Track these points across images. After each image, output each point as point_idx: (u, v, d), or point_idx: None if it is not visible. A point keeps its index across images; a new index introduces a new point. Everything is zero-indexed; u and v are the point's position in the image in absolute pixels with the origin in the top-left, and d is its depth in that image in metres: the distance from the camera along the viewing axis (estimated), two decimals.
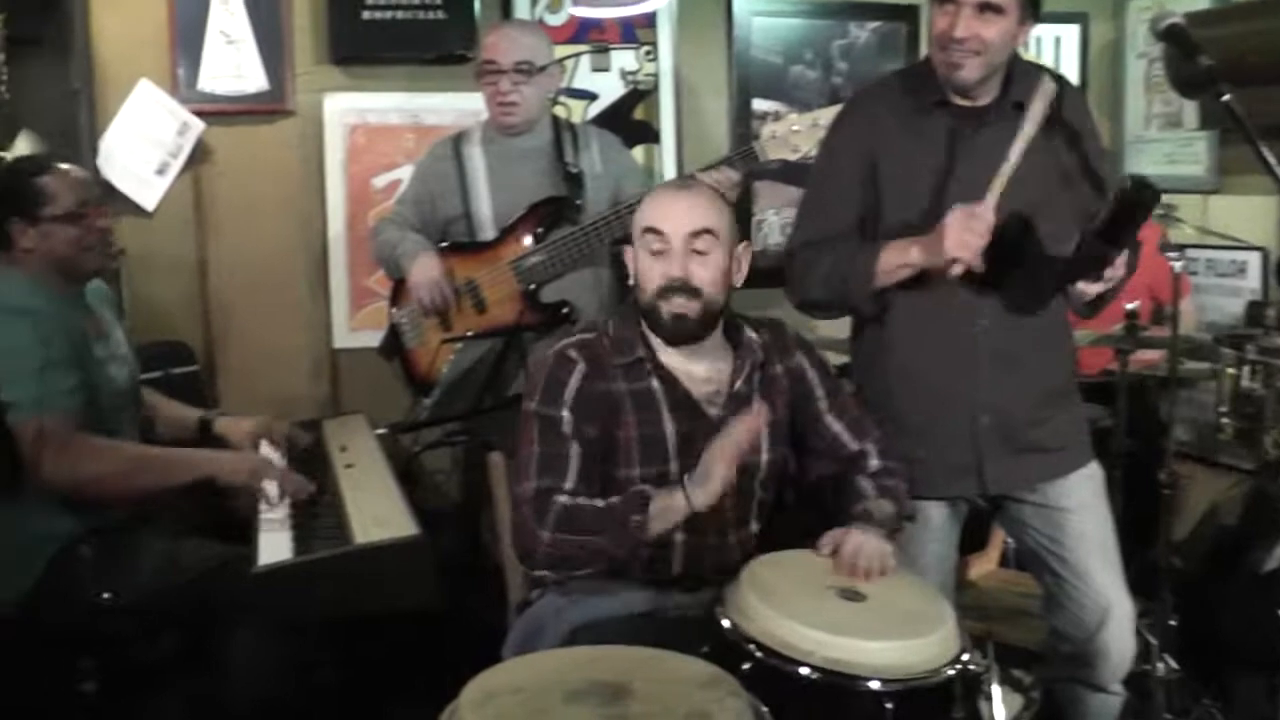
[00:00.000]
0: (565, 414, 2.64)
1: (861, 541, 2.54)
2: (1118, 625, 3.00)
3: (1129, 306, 3.90)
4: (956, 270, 2.74)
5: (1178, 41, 2.67)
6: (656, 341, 2.72)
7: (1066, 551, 3.02)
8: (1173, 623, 3.77)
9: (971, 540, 3.79)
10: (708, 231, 2.64)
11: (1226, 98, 2.52)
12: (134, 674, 3.27)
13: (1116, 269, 2.74)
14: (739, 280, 2.75)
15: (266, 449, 3.66)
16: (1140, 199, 2.59)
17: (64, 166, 3.35)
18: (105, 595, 3.13)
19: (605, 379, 2.69)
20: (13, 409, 3.12)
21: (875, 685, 2.16)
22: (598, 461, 2.67)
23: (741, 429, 2.52)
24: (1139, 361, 4.17)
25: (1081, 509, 3.02)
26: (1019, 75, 2.94)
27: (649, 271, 2.67)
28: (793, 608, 2.27)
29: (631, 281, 2.74)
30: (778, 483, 2.87)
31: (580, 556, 2.55)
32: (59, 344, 3.16)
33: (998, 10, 2.78)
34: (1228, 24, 4.70)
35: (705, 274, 2.65)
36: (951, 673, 2.24)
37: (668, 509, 2.52)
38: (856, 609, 2.33)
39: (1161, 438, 3.80)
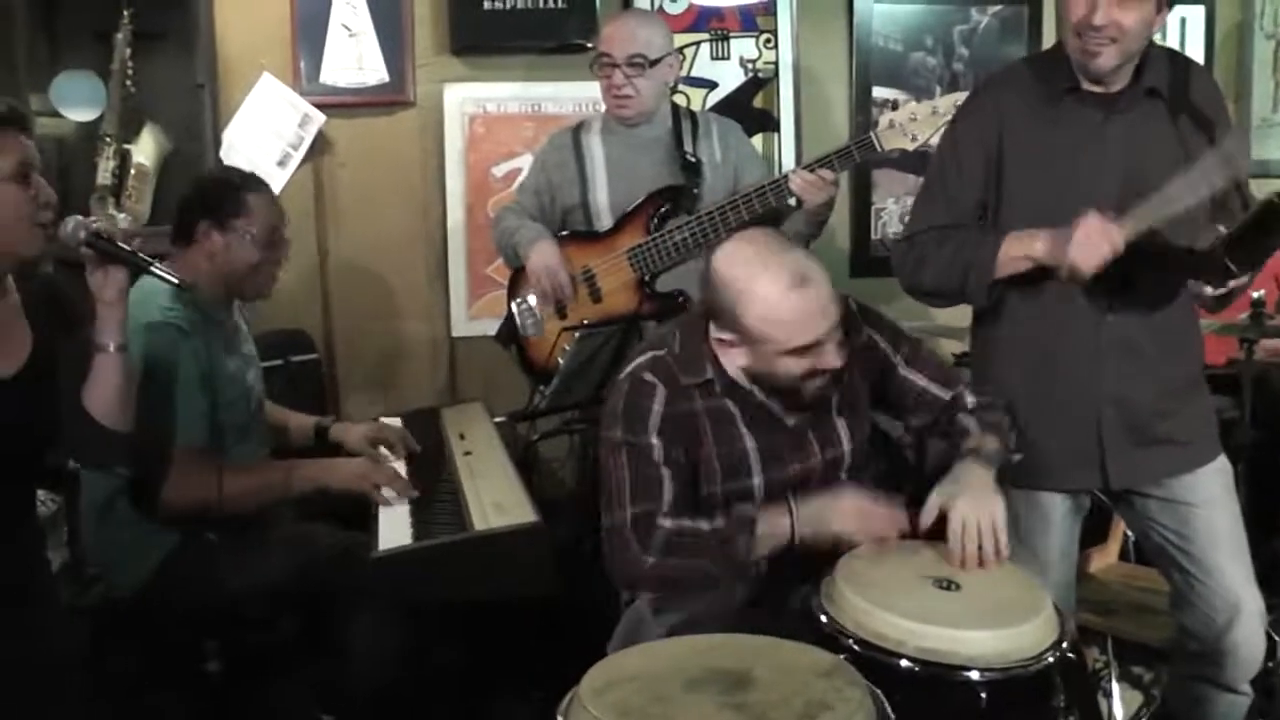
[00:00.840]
0: (654, 440, 2.62)
1: (965, 517, 2.48)
2: (1248, 624, 2.95)
3: (1255, 295, 3.82)
4: (1063, 274, 2.73)
5: None
6: (724, 359, 2.68)
7: (1195, 548, 2.97)
8: None
9: (1091, 534, 3.75)
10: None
11: None
12: (257, 657, 3.34)
13: (1240, 278, 2.70)
14: None
15: (385, 453, 3.72)
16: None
17: (267, 190, 3.46)
18: (229, 582, 3.18)
19: (686, 399, 2.66)
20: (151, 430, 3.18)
21: (973, 675, 2.15)
22: (688, 484, 2.66)
23: (886, 517, 2.54)
24: (1267, 351, 4.08)
25: (1210, 504, 2.97)
26: (1152, 61, 2.90)
27: (791, 366, 2.57)
28: (887, 599, 2.27)
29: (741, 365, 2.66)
30: (865, 456, 2.84)
31: (685, 580, 2.56)
32: (198, 364, 3.22)
33: None
34: None
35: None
36: (1050, 660, 2.20)
37: (773, 534, 2.54)
38: (951, 598, 2.32)
39: None
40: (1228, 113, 3.06)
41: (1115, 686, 3.68)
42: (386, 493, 3.32)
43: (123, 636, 3.21)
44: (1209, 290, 2.74)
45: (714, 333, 2.65)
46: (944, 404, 2.83)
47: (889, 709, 1.96)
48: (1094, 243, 2.66)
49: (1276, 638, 3.56)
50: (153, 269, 2.70)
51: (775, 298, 2.52)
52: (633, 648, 2.22)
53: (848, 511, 2.55)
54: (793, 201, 3.62)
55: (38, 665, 2.65)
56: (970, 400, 2.81)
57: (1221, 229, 2.61)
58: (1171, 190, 2.63)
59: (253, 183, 3.42)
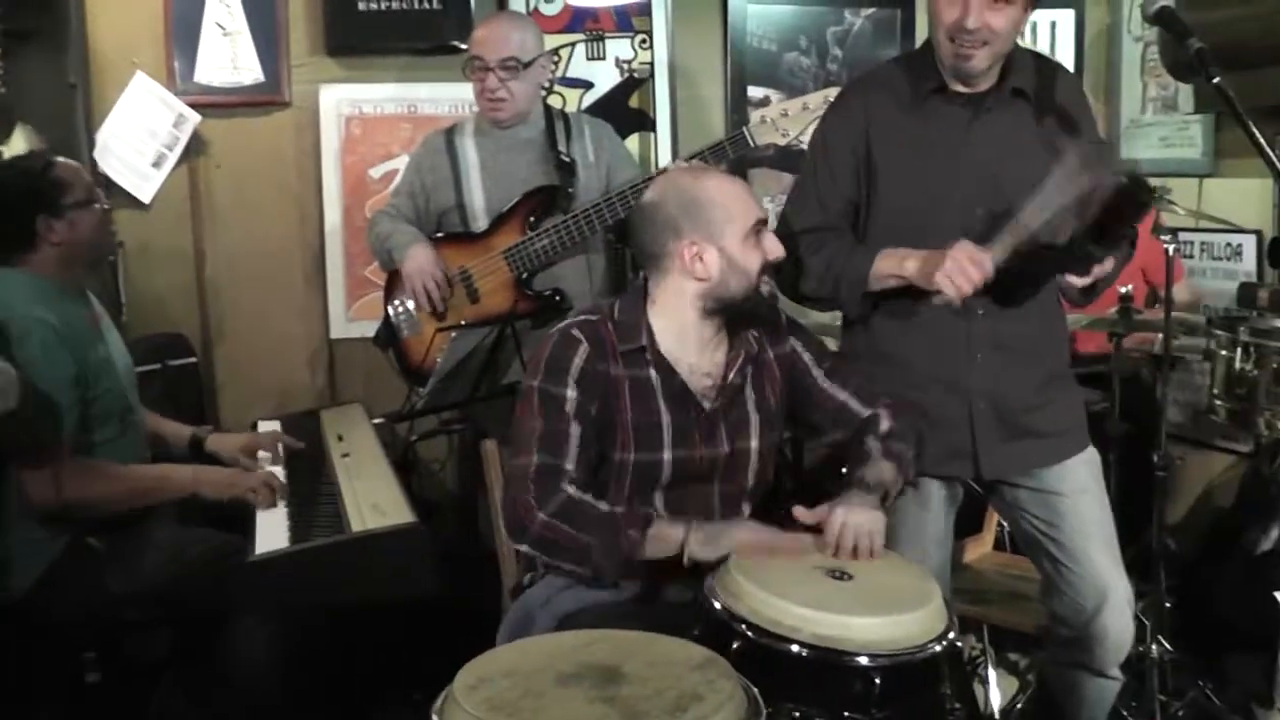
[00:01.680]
0: (569, 393, 2.65)
1: (845, 520, 2.52)
2: (1115, 609, 2.99)
3: (1122, 290, 3.90)
4: (938, 300, 2.75)
5: (1168, 24, 2.65)
6: (659, 330, 2.73)
7: (1064, 536, 3.01)
8: (1168, 605, 3.78)
9: (966, 523, 3.80)
10: None
11: (1217, 80, 2.51)
12: (137, 665, 3.29)
13: (1105, 264, 2.75)
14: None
15: (263, 455, 3.72)
16: (1136, 197, 2.61)
17: (60, 158, 3.38)
18: (112, 587, 3.16)
19: (606, 361, 2.70)
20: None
21: (863, 660, 2.17)
22: (594, 442, 2.67)
23: (788, 541, 2.52)
24: (1136, 340, 4.17)
25: (1078, 493, 3.02)
26: (1018, 62, 2.94)
27: (752, 258, 2.69)
28: (780, 587, 2.29)
29: (705, 277, 2.68)
30: (770, 470, 2.87)
31: (568, 550, 2.55)
32: (62, 358, 3.17)
33: (1008, 0, 2.78)
34: (1223, 7, 4.69)
35: None
36: (938, 649, 2.24)
37: (664, 540, 2.52)
38: (844, 587, 2.35)
39: (1156, 421, 3.81)
40: (1092, 115, 3.12)
41: (992, 673, 3.73)
42: (262, 495, 3.31)
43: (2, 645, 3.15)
44: (1076, 282, 2.80)
45: (680, 250, 2.68)
46: (861, 421, 2.85)
47: (761, 701, 1.97)
48: (964, 271, 2.69)
49: (1147, 623, 3.66)
50: None
51: (726, 184, 2.75)
52: (508, 644, 2.22)
53: (746, 537, 2.53)
54: None
55: None
56: (885, 425, 2.83)
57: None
58: (1030, 208, 2.67)
59: (48, 160, 3.36)
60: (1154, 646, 3.65)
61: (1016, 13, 2.81)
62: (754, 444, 2.80)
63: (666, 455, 2.71)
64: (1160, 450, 3.75)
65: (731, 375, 2.77)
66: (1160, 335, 3.75)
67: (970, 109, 2.94)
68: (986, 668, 3.74)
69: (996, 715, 3.71)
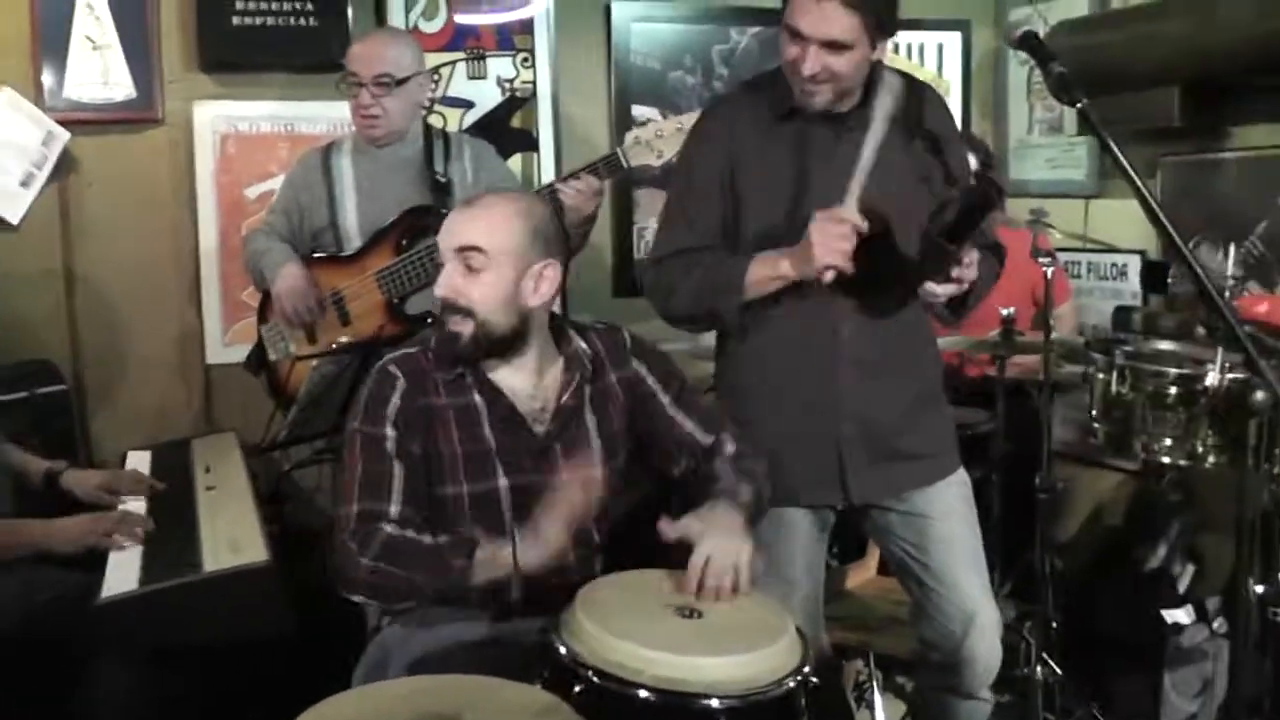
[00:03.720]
0: (388, 431, 2.58)
1: (710, 555, 2.45)
2: (983, 633, 2.98)
3: (1004, 311, 3.90)
4: (828, 277, 2.71)
5: (1031, 50, 2.63)
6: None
7: (932, 560, 3.00)
8: (1055, 625, 3.77)
9: (849, 549, 3.78)
10: (473, 249, 2.58)
11: (1080, 105, 2.48)
12: None
13: (968, 270, 2.73)
14: (538, 300, 2.65)
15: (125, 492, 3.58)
16: (985, 198, 2.61)
17: None
18: None
19: (426, 394, 2.63)
20: None
21: (711, 703, 2.12)
22: (423, 480, 2.60)
23: (575, 488, 2.47)
24: (1018, 366, 4.18)
25: (947, 516, 3.00)
26: (884, 82, 2.89)
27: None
28: (625, 628, 2.24)
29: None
30: (618, 495, 2.80)
31: (400, 590, 2.49)
32: None
33: (845, 46, 2.74)
34: (1103, 30, 4.73)
35: (475, 293, 2.59)
36: (791, 686, 2.19)
37: (493, 561, 2.46)
38: (692, 626, 2.31)
39: (1041, 441, 3.80)
40: (959, 135, 3.11)
41: (878, 698, 3.70)
42: (118, 538, 3.19)
43: None
44: (939, 291, 2.76)
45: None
46: (704, 449, 2.80)
47: None
48: (832, 235, 2.67)
49: (1031, 642, 3.65)
50: None
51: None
52: (348, 692, 2.15)
53: (556, 524, 2.47)
54: None
55: None
56: (730, 448, 2.79)
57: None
58: (864, 150, 2.67)
59: None
60: (1039, 667, 3.64)
61: (860, 54, 2.77)
62: (596, 472, 2.69)
63: (502, 482, 2.63)
64: (1042, 472, 3.74)
65: (566, 398, 2.70)
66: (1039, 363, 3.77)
67: (833, 129, 2.91)
68: (873, 692, 3.71)
69: None
